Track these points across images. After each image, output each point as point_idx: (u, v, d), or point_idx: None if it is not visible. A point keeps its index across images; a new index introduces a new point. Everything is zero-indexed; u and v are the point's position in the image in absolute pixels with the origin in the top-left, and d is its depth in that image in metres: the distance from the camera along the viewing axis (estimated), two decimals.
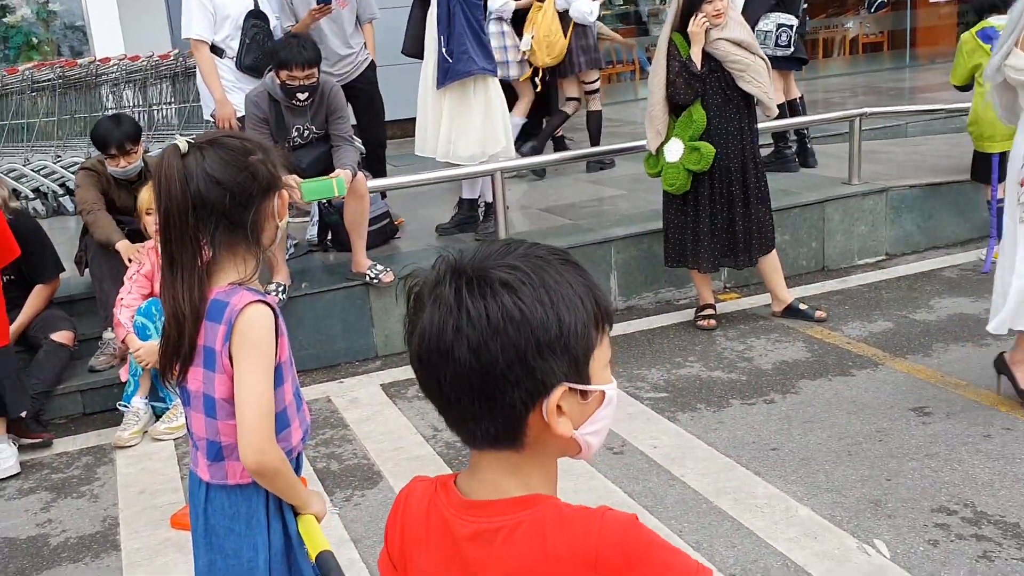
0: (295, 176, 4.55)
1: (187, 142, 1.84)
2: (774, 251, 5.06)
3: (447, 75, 5.42)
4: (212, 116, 5.54)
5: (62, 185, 7.73)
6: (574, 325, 1.09)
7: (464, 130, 5.49)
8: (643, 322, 5.36)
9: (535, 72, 7.03)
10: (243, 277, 1.88)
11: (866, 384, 4.28)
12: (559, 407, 1.10)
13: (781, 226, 5.84)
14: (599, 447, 1.18)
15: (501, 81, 5.90)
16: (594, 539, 1.10)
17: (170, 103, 8.57)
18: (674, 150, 4.81)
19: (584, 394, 1.13)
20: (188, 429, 2.00)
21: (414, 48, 5.85)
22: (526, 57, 6.97)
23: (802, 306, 5.15)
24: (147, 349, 4.26)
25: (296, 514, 1.99)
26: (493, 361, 1.07)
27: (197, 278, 1.83)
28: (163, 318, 4.25)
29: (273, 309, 1.88)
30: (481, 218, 5.95)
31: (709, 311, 5.20)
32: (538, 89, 7.12)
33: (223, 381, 1.87)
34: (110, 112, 7.76)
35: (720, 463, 3.67)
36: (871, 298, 5.42)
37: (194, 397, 1.93)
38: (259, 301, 1.86)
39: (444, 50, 5.37)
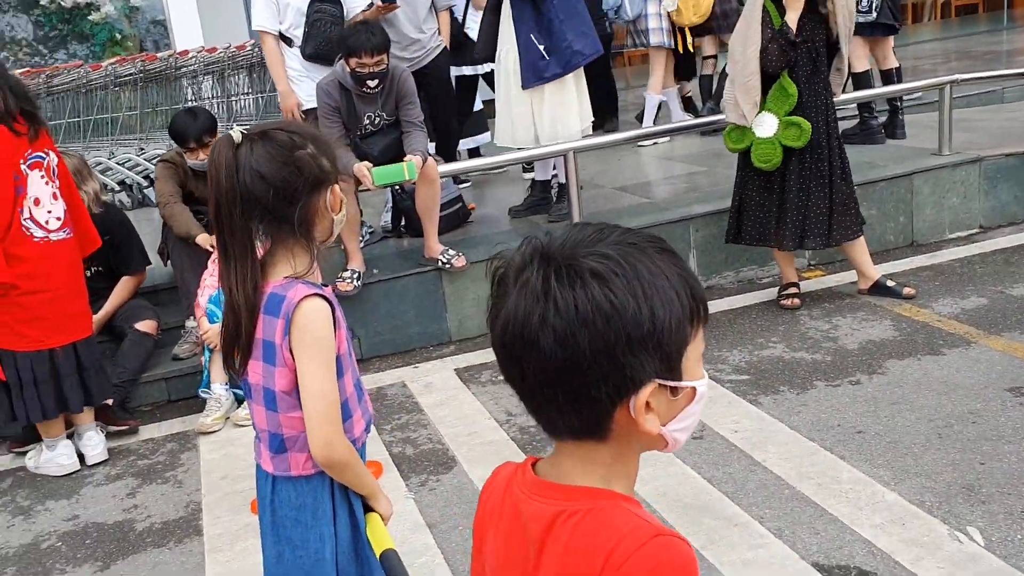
0: (367, 163, 4.57)
1: (241, 132, 1.83)
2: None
3: (549, 70, 5.26)
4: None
5: (146, 177, 7.92)
6: (668, 320, 1.04)
7: (565, 109, 5.39)
8: (724, 302, 5.22)
9: (677, 33, 6.97)
10: (297, 271, 1.87)
11: (958, 363, 4.09)
12: (647, 403, 1.06)
13: (867, 200, 5.64)
14: (685, 442, 1.15)
15: None
16: (617, 556, 1.05)
17: (248, 93, 8.71)
18: (768, 125, 4.61)
19: (674, 390, 1.09)
20: (252, 422, 2.00)
21: (486, 51, 5.75)
22: (670, 17, 6.94)
23: (890, 283, 4.96)
24: (215, 331, 4.35)
25: (365, 508, 1.98)
26: (580, 354, 1.03)
27: (250, 270, 1.83)
28: None
29: (330, 301, 1.87)
30: (554, 199, 5.88)
31: (793, 290, 5.04)
32: (681, 51, 7.07)
33: (284, 374, 1.86)
34: (190, 104, 7.93)
35: (803, 447, 3.55)
36: (963, 273, 5.18)
37: (255, 390, 1.93)
38: (315, 295, 1.85)
39: (542, 48, 5.25)
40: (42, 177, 3.89)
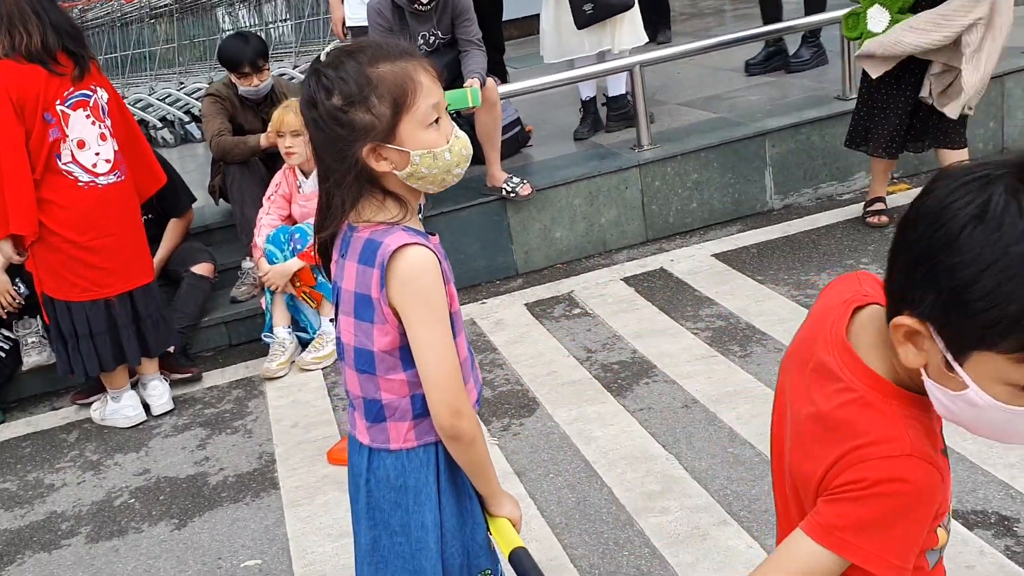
0: None
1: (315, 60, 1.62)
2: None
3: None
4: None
5: (187, 112, 7.70)
6: None
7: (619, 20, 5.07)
8: (805, 221, 4.92)
9: None
10: (395, 217, 1.61)
11: None
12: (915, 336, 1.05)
13: None
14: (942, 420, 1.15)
15: None
16: (862, 453, 1.09)
17: (286, 20, 8.40)
18: (879, 19, 4.24)
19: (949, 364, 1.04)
20: (344, 387, 1.78)
21: None
22: None
23: None
24: (276, 272, 4.16)
25: (487, 514, 1.76)
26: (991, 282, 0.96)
27: (350, 185, 1.60)
28: (291, 244, 4.14)
29: (436, 253, 1.61)
30: (605, 116, 5.57)
31: (879, 205, 4.72)
32: None
33: (384, 331, 1.62)
34: (228, 34, 7.65)
35: None
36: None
37: (347, 351, 1.69)
38: (417, 244, 1.58)
39: None
40: (88, 117, 3.68)
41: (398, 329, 1.61)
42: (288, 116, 4.18)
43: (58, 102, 3.59)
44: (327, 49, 1.74)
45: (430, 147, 1.57)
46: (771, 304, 4.05)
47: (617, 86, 5.48)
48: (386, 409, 1.68)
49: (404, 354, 1.63)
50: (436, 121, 1.59)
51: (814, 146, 5.12)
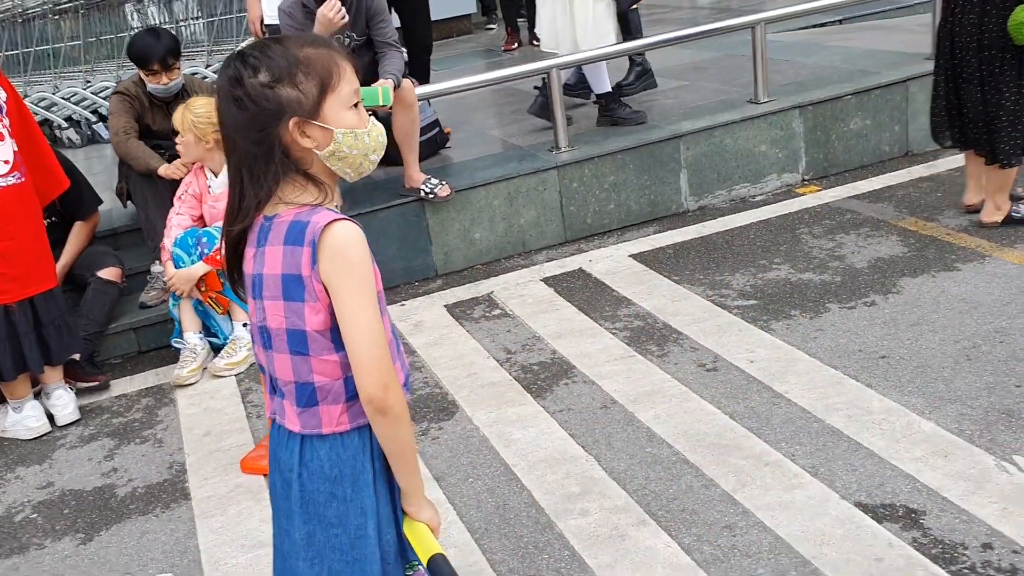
0: None
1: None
2: None
3: None
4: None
5: (95, 112, 7.45)
6: None
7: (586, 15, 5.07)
8: (718, 222, 5.00)
9: None
10: (316, 199, 1.62)
11: (975, 279, 3.92)
12: None
13: (860, 110, 5.42)
14: None
15: None
16: None
17: (197, 18, 8.19)
18: None
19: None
20: (270, 376, 1.73)
21: None
22: None
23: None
24: (182, 276, 4.06)
25: (405, 514, 1.73)
26: None
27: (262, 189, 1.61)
28: (199, 248, 4.04)
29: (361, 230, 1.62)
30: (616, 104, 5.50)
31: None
32: None
33: (316, 310, 1.60)
34: (137, 31, 7.43)
35: (826, 376, 3.36)
36: (965, 183, 4.97)
37: (276, 336, 1.66)
38: (345, 219, 1.60)
39: None
40: None
41: (328, 308, 1.60)
42: (188, 115, 4.08)
43: None
44: (241, 47, 1.69)
45: (352, 127, 1.62)
46: (687, 304, 4.10)
47: (601, 85, 5.42)
48: (319, 392, 1.66)
49: (335, 335, 1.62)
50: (356, 106, 1.64)
51: (727, 149, 5.21)
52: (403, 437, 1.66)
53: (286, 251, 1.60)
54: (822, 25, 7.95)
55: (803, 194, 5.23)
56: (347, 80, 1.61)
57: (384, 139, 1.69)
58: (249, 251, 1.68)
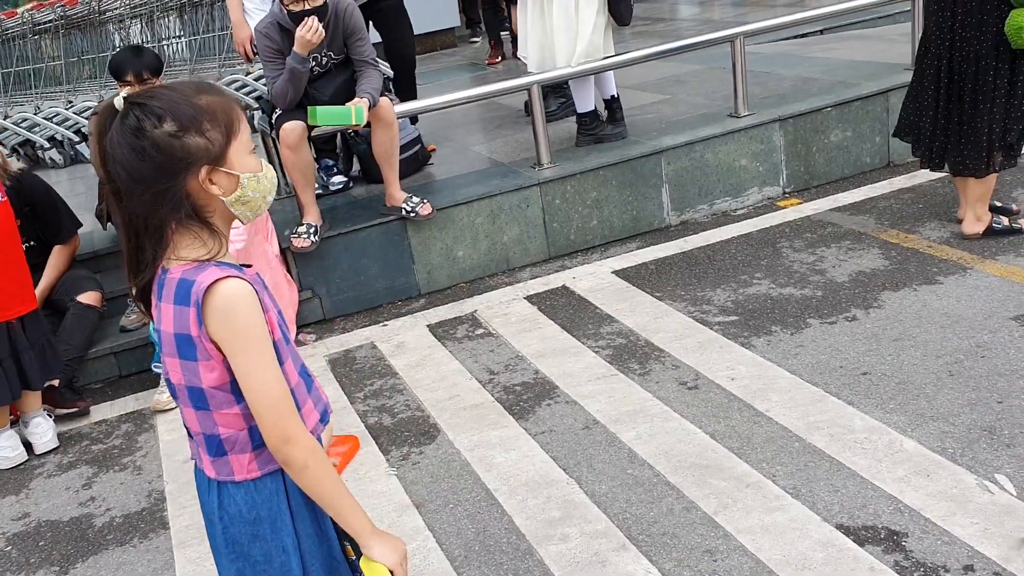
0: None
1: (123, 99, 1.57)
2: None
3: None
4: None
5: (77, 132, 7.41)
6: None
7: (588, 29, 5.01)
8: (700, 237, 4.99)
9: None
10: (209, 252, 1.60)
11: (956, 292, 3.91)
12: None
13: (841, 121, 5.42)
14: None
15: None
16: None
17: (179, 37, 8.17)
18: None
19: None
20: (183, 424, 1.74)
21: None
22: None
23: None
24: None
25: (357, 553, 1.71)
26: None
27: (147, 250, 1.60)
28: None
29: (251, 284, 1.60)
30: (604, 118, 5.46)
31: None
32: None
33: (211, 367, 1.60)
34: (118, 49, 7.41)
35: (807, 393, 3.35)
36: (946, 194, 4.98)
37: (179, 390, 1.66)
38: (231, 276, 1.58)
39: None
40: None
41: (223, 364, 1.60)
42: None
43: None
44: (127, 95, 1.64)
45: (254, 171, 1.63)
46: (668, 320, 4.09)
47: (585, 103, 5.41)
48: (225, 443, 1.67)
49: (235, 387, 1.62)
50: (253, 150, 1.67)
51: (708, 163, 5.21)
52: (319, 487, 1.66)
53: (175, 311, 1.59)
54: (803, 36, 7.98)
55: (784, 207, 5.23)
56: (245, 126, 1.64)
57: (276, 181, 1.70)
58: (153, 300, 1.66)
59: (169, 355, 1.63)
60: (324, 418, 1.77)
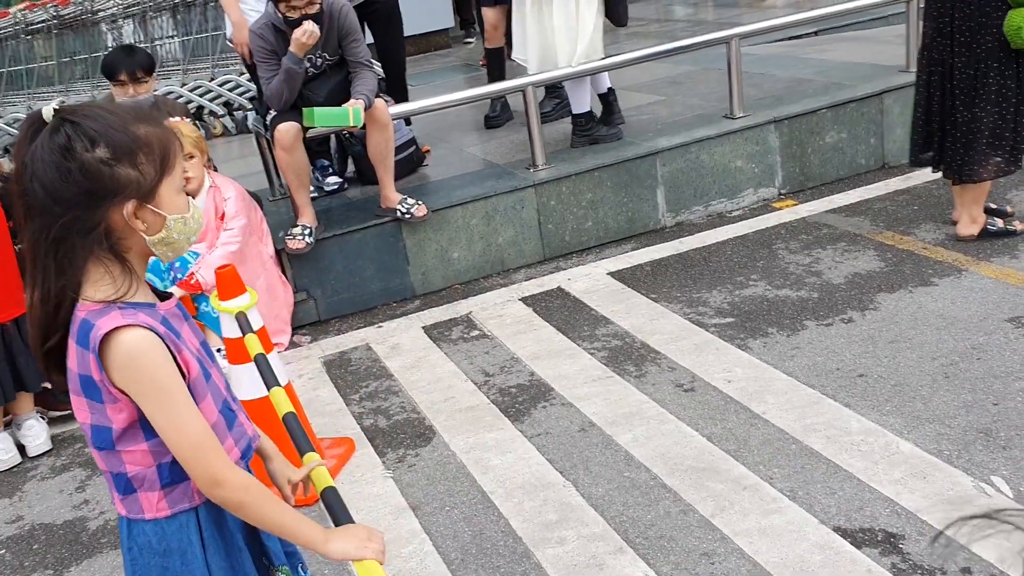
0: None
1: (54, 110, 1.48)
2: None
3: None
4: (230, 40, 5.27)
5: None
6: None
7: (588, 29, 4.99)
8: (695, 239, 4.99)
9: None
10: (118, 291, 1.52)
11: (952, 294, 3.92)
12: None
13: (836, 123, 5.43)
14: None
15: None
16: None
17: (172, 36, 8.14)
18: None
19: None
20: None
21: None
22: None
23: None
24: None
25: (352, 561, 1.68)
26: None
27: (52, 281, 1.51)
28: (171, 273, 3.97)
29: (154, 329, 1.52)
30: (599, 114, 5.45)
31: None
32: None
33: (119, 409, 1.54)
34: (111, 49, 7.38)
35: (803, 395, 3.35)
36: (941, 196, 4.98)
37: (84, 429, 1.60)
38: (130, 325, 1.49)
39: None
40: None
41: (131, 404, 1.54)
42: (185, 139, 4.02)
43: None
44: (60, 107, 1.58)
45: (181, 212, 1.56)
46: (664, 322, 4.08)
47: (581, 104, 5.38)
48: (133, 481, 1.61)
49: (144, 423, 1.56)
50: (182, 188, 1.59)
51: (703, 164, 5.21)
52: (261, 518, 1.62)
53: (78, 351, 1.52)
54: (798, 37, 7.98)
55: (780, 208, 5.23)
56: (179, 162, 1.57)
57: (202, 222, 1.63)
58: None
59: (75, 393, 1.56)
60: (246, 454, 1.72)
